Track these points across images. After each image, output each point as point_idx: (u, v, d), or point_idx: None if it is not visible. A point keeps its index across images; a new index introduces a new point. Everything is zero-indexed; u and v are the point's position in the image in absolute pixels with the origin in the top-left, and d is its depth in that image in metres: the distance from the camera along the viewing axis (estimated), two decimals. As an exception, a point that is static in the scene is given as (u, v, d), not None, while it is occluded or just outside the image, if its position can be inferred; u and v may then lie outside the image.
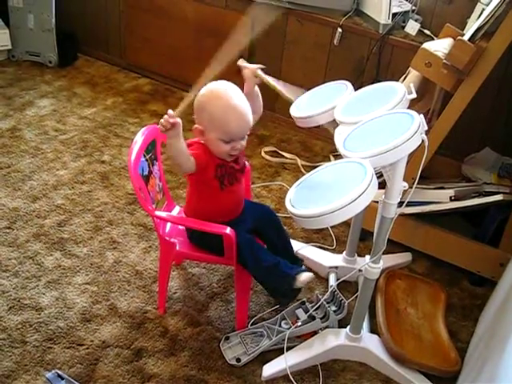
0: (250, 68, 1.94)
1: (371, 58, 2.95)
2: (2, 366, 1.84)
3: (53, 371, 1.69)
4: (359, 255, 2.32)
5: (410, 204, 2.08)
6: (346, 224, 2.48)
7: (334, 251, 2.44)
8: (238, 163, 1.94)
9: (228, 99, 1.82)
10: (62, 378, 1.68)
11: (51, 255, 2.28)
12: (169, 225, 2.08)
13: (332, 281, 2.26)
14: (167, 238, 2.02)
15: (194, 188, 1.97)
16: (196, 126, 1.86)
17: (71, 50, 3.85)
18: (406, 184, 1.67)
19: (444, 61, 2.05)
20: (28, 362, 1.86)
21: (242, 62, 1.98)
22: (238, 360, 1.93)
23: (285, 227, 2.14)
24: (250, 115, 1.84)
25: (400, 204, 1.70)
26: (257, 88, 1.96)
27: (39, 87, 3.50)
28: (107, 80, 3.69)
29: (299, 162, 3.04)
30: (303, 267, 2.04)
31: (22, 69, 3.69)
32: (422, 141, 1.57)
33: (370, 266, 1.80)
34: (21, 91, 3.43)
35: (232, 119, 1.81)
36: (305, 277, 1.89)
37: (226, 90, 1.85)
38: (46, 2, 3.60)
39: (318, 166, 1.73)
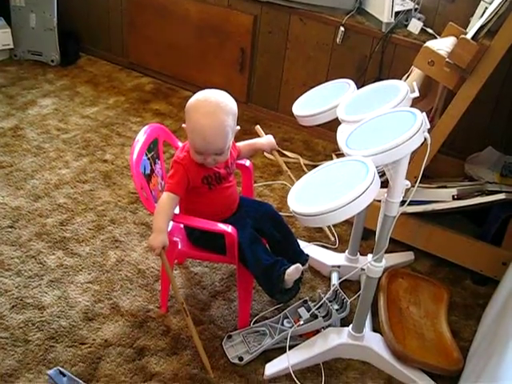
0: (272, 145, 2.14)
1: (374, 57, 2.95)
2: (4, 364, 1.84)
3: (55, 368, 1.69)
4: (361, 254, 2.32)
5: (412, 203, 2.08)
6: (349, 223, 2.48)
7: (336, 250, 2.44)
8: (225, 168, 1.95)
9: (200, 115, 1.80)
10: (64, 375, 1.68)
11: (53, 254, 2.28)
12: (171, 224, 2.07)
13: (334, 279, 2.26)
14: (169, 237, 2.02)
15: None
16: (183, 125, 1.88)
17: (73, 49, 3.85)
18: (408, 182, 1.67)
19: (447, 59, 2.05)
20: (30, 361, 1.86)
21: (259, 129, 2.18)
22: (241, 359, 1.93)
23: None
24: (220, 138, 1.81)
25: (402, 203, 1.70)
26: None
27: (41, 86, 3.50)
28: (109, 79, 3.69)
29: (302, 161, 3.04)
30: (307, 264, 2.04)
31: (24, 68, 3.69)
32: (425, 139, 1.57)
33: (373, 265, 1.80)
34: (23, 90, 3.43)
35: (198, 138, 1.80)
36: (290, 270, 1.86)
37: (206, 104, 1.82)
38: (48, 1, 3.61)
39: (320, 165, 1.73)
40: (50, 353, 1.90)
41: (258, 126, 2.18)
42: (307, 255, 2.06)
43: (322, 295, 2.06)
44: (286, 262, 1.89)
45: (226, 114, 1.81)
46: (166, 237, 1.79)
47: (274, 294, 1.93)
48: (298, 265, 1.87)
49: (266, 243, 1.99)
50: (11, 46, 3.71)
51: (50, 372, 1.68)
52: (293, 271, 1.86)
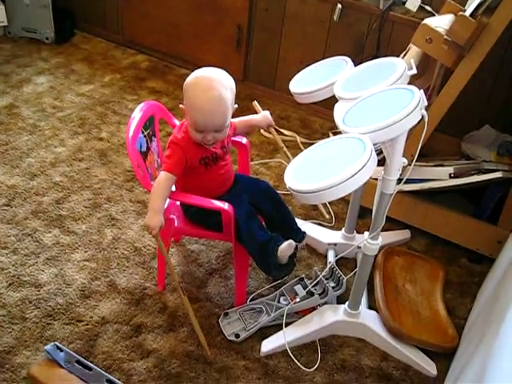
0: (268, 121, 2.12)
1: (371, 35, 2.92)
2: (2, 342, 1.85)
3: (52, 343, 1.70)
4: (358, 232, 2.33)
5: (409, 181, 2.07)
6: (345, 201, 2.49)
7: (332, 228, 2.45)
8: (222, 148, 1.94)
9: (200, 91, 1.79)
10: (61, 350, 1.68)
11: (50, 232, 2.28)
12: (167, 200, 2.07)
13: (331, 257, 2.27)
14: (166, 214, 2.01)
15: None
16: (181, 105, 1.86)
17: (68, 26, 3.80)
18: (405, 160, 1.67)
19: (445, 37, 2.04)
20: (28, 338, 1.87)
21: (257, 105, 2.15)
22: (237, 336, 1.94)
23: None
24: (219, 113, 1.80)
25: (399, 181, 1.70)
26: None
27: (36, 64, 3.47)
28: (105, 57, 3.65)
29: (298, 139, 3.04)
30: (304, 241, 2.05)
31: (19, 45, 3.65)
32: (422, 117, 1.56)
33: (369, 242, 1.80)
34: (17, 68, 3.40)
35: (199, 114, 1.79)
36: (283, 247, 1.85)
37: (206, 80, 1.81)
38: (43, -22, 3.56)
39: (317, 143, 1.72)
40: (47, 330, 1.91)
41: (255, 102, 2.17)
42: (304, 233, 2.06)
43: (319, 273, 2.07)
44: (281, 238, 1.89)
45: (225, 91, 1.80)
46: (162, 217, 1.79)
47: (270, 270, 1.94)
48: (291, 241, 1.87)
49: (262, 220, 2.00)
50: (5, 24, 3.66)
51: (47, 347, 1.69)
52: (285, 247, 1.85)
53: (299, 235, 2.03)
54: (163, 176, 1.83)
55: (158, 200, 1.81)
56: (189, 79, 1.84)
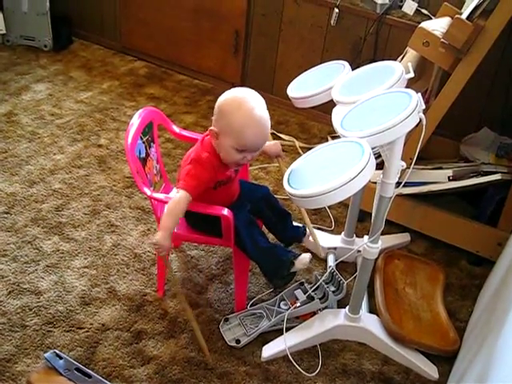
0: (278, 151, 2.07)
1: (368, 39, 2.93)
2: (2, 350, 1.84)
3: (51, 351, 1.70)
4: (358, 236, 2.32)
5: (408, 184, 2.08)
6: (345, 205, 2.48)
7: (332, 232, 2.45)
8: (235, 171, 1.93)
9: (249, 110, 1.74)
10: (61, 358, 1.69)
11: (49, 239, 2.28)
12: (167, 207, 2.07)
13: (331, 261, 2.26)
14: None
15: None
16: (212, 128, 1.80)
17: (66, 33, 3.81)
18: (403, 163, 1.67)
19: (442, 40, 2.04)
20: (28, 346, 1.87)
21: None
22: (238, 341, 1.94)
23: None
24: (268, 128, 1.79)
25: (398, 184, 1.70)
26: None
27: (35, 71, 3.48)
28: (103, 63, 3.66)
29: (297, 143, 3.04)
30: (307, 233, 2.10)
31: (17, 53, 3.66)
32: (420, 120, 1.56)
33: (369, 246, 1.80)
34: (16, 76, 3.41)
35: (250, 132, 1.74)
36: (303, 259, 1.92)
37: (249, 100, 1.76)
38: (40, -15, 3.56)
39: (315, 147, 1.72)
40: (47, 338, 1.90)
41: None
42: (303, 227, 2.09)
43: (319, 277, 2.06)
44: (287, 249, 1.95)
45: (266, 110, 1.80)
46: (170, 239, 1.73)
47: (274, 277, 1.94)
48: (309, 254, 1.94)
49: (262, 225, 2.00)
50: (3, 32, 3.67)
51: (46, 355, 1.69)
52: (305, 261, 1.93)
53: (300, 231, 2.07)
54: (183, 196, 1.75)
55: (173, 221, 1.74)
56: (227, 101, 1.78)
